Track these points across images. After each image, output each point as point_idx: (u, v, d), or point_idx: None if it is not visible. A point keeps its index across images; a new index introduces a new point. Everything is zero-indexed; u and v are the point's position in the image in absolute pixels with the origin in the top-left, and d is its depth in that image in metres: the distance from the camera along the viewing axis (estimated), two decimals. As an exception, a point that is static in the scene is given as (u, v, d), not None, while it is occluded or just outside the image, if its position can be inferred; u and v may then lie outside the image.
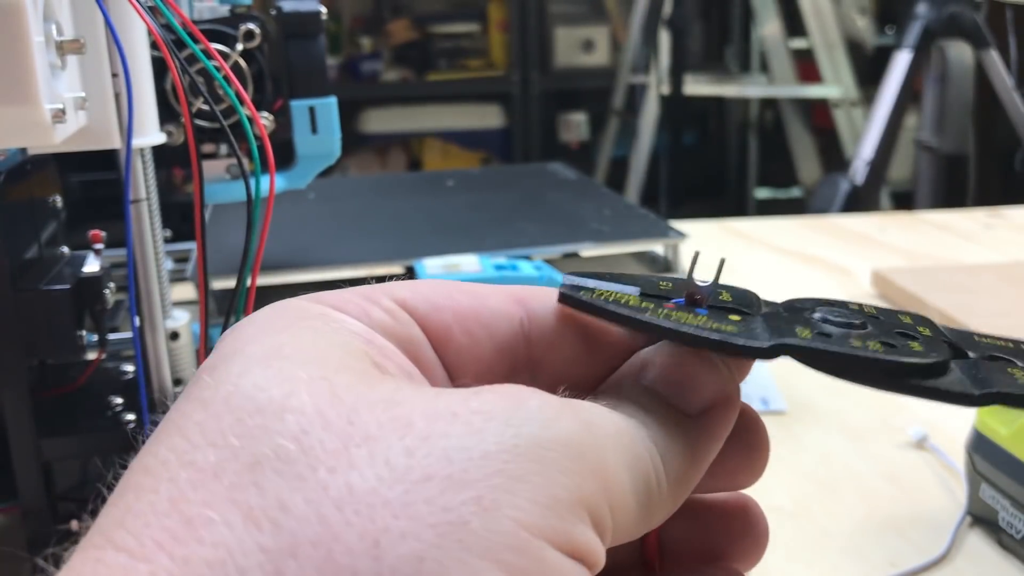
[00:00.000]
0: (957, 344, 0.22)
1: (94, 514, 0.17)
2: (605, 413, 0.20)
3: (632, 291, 0.22)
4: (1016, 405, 0.21)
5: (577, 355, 0.22)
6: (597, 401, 0.21)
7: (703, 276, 0.23)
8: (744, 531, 0.24)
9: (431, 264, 0.64)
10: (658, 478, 0.20)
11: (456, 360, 0.22)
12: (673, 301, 0.22)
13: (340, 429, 0.17)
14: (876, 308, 0.23)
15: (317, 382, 0.18)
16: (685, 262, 0.74)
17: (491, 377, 0.22)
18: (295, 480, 0.16)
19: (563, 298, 0.22)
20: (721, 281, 0.23)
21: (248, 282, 0.38)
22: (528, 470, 0.17)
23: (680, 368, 0.21)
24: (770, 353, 0.20)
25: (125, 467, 0.18)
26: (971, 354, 0.22)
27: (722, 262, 0.22)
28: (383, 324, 0.21)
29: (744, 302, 0.22)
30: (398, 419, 0.17)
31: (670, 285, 0.23)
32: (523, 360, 0.22)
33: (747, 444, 0.23)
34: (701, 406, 0.21)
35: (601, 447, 0.18)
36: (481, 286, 0.23)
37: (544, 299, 0.23)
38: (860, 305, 0.23)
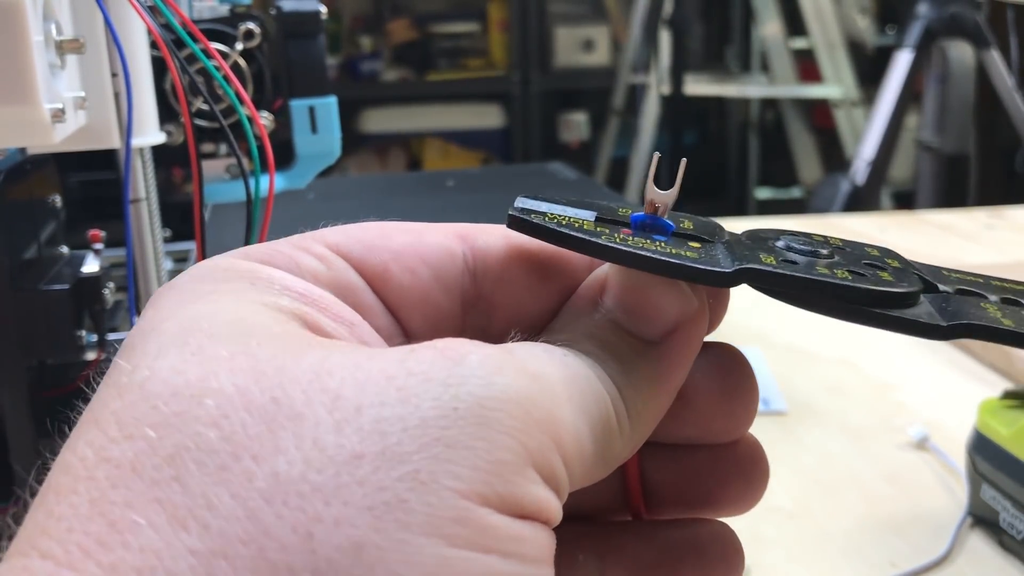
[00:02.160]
0: (927, 278, 0.21)
1: (17, 519, 0.16)
2: (556, 358, 0.18)
3: (587, 216, 0.21)
4: (984, 338, 0.20)
5: (528, 289, 0.21)
6: (551, 338, 0.20)
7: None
8: (735, 468, 0.22)
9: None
10: (619, 417, 0.19)
11: (400, 300, 0.21)
12: (631, 217, 0.21)
13: (263, 408, 0.16)
14: (842, 240, 0.22)
15: (238, 358, 0.17)
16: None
17: (440, 316, 0.21)
18: (219, 472, 0.15)
19: (512, 221, 0.20)
20: (686, 213, 0.22)
21: (248, 282, 0.38)
22: (469, 435, 0.16)
23: (637, 291, 0.20)
24: (733, 279, 0.19)
25: (49, 465, 0.17)
26: (942, 287, 0.21)
27: (683, 164, 0.21)
28: (315, 272, 0.20)
29: (706, 231, 0.21)
30: (327, 390, 0.16)
31: (630, 211, 0.21)
32: (472, 297, 0.21)
33: (730, 385, 0.22)
34: (662, 331, 0.20)
35: (550, 398, 0.17)
36: (419, 224, 0.22)
37: (488, 234, 0.22)
38: (825, 237, 0.22)
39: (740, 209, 2.72)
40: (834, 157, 2.38)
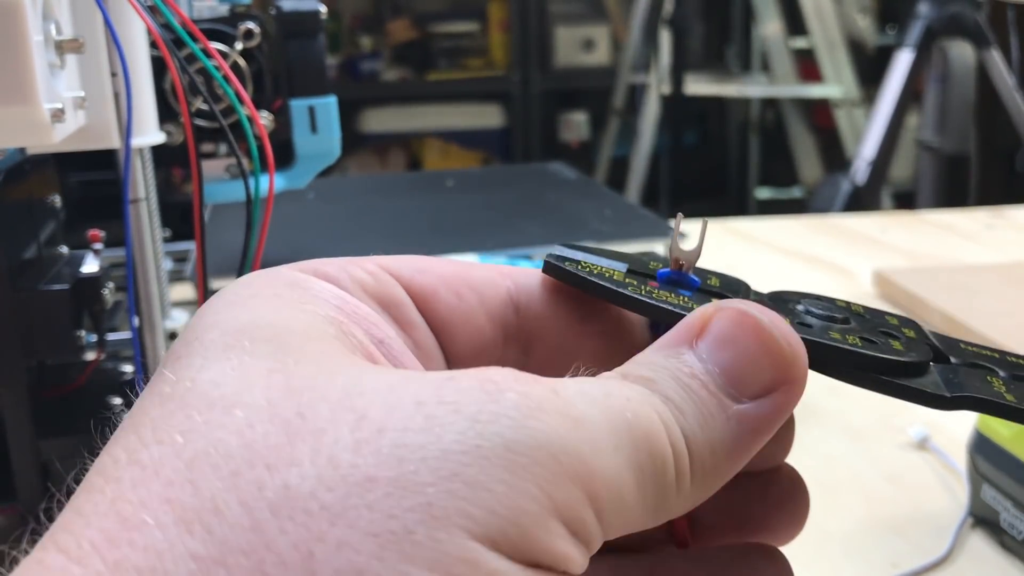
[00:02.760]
0: (940, 348, 0.22)
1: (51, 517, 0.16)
2: (614, 402, 0.18)
3: (619, 267, 0.22)
4: (986, 411, 0.20)
5: (568, 328, 0.22)
6: (631, 369, 0.19)
7: (704, 273, 0.22)
8: (784, 498, 0.22)
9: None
10: (679, 473, 0.18)
11: (444, 321, 0.21)
12: (658, 273, 0.22)
13: (287, 422, 0.16)
14: (864, 307, 0.23)
15: (275, 375, 0.17)
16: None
17: (483, 342, 0.22)
18: (231, 478, 0.15)
19: (547, 267, 0.22)
20: (714, 269, 0.23)
21: (247, 282, 0.38)
22: (491, 476, 0.15)
23: (737, 343, 0.19)
24: None
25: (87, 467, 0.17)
26: (953, 359, 0.22)
27: (705, 224, 0.22)
28: (363, 283, 0.20)
29: (731, 289, 0.22)
30: (355, 409, 0.16)
31: (660, 265, 0.22)
32: (514, 330, 0.22)
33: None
34: (754, 392, 0.19)
35: (589, 446, 0.17)
36: (464, 261, 0.23)
37: (531, 274, 0.22)
38: (848, 303, 0.23)
39: (741, 209, 2.72)
40: (834, 157, 2.38)
